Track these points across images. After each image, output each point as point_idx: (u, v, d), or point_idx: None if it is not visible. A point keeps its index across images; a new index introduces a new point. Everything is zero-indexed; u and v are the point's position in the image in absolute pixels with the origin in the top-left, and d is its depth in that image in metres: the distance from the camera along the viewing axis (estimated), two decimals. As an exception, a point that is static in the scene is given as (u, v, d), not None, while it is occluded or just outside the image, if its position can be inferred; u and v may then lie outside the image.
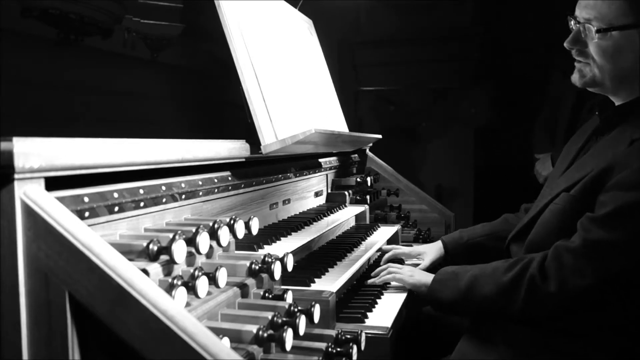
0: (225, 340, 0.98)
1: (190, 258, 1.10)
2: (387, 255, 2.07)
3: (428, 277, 1.71)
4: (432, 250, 2.08)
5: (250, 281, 1.21)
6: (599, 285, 1.35)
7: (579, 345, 1.43)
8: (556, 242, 1.43)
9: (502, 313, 1.49)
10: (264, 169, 1.81)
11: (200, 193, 1.36)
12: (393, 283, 1.89)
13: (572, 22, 1.52)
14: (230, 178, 1.53)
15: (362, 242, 2.13)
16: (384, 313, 1.62)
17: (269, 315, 1.07)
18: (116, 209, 1.05)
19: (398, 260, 2.09)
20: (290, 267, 1.25)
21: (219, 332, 1.00)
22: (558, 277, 1.36)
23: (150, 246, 0.97)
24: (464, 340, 1.65)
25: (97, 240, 0.81)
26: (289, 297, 1.22)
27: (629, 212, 1.31)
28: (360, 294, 1.77)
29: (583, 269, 1.34)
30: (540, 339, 1.48)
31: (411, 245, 2.22)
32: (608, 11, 1.41)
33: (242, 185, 1.62)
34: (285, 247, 1.61)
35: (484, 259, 1.98)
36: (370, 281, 1.85)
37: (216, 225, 1.11)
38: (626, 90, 1.51)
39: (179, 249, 0.97)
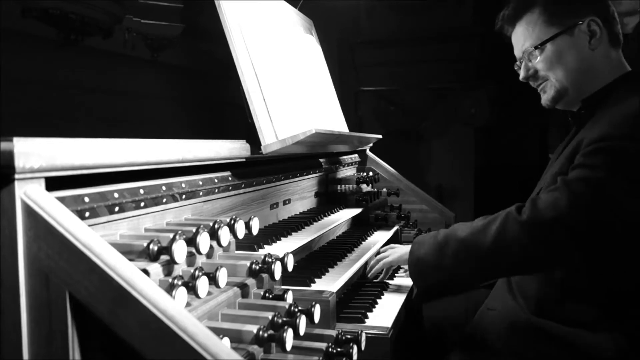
0: (226, 340, 0.98)
1: (190, 258, 1.10)
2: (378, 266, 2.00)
3: (408, 247, 1.74)
4: None
5: (251, 281, 1.21)
6: (573, 218, 1.35)
7: (581, 341, 1.44)
8: None
9: (474, 253, 1.47)
10: (264, 169, 1.81)
11: (201, 193, 1.36)
12: (394, 281, 1.90)
13: (519, 64, 1.71)
14: (230, 178, 1.53)
15: (363, 242, 2.13)
16: (384, 313, 1.62)
17: (270, 315, 1.07)
18: (116, 209, 1.05)
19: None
20: (290, 267, 1.25)
21: (219, 332, 1.00)
22: (531, 209, 1.41)
23: (151, 246, 0.97)
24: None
25: (97, 240, 0.80)
26: (289, 297, 1.22)
27: (597, 154, 1.38)
28: (360, 294, 1.77)
29: (556, 200, 1.38)
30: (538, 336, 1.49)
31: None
32: (535, 36, 1.63)
33: (243, 185, 1.62)
34: (285, 247, 1.61)
35: None
36: (369, 275, 1.87)
37: (216, 225, 1.11)
38: (587, 87, 1.62)
39: (180, 249, 0.97)
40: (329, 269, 1.69)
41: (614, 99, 1.53)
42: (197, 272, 1.00)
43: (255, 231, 1.27)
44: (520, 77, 1.72)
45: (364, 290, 1.81)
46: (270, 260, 1.19)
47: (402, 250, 1.79)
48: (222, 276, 1.06)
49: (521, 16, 1.66)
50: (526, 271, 1.54)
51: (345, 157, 2.83)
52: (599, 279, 1.47)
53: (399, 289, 1.85)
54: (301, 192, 2.24)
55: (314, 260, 1.76)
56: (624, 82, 1.58)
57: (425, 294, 1.70)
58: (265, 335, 1.01)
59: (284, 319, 1.07)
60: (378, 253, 2.11)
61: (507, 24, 1.71)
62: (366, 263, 1.93)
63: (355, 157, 3.01)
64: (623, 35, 2.88)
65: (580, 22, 1.57)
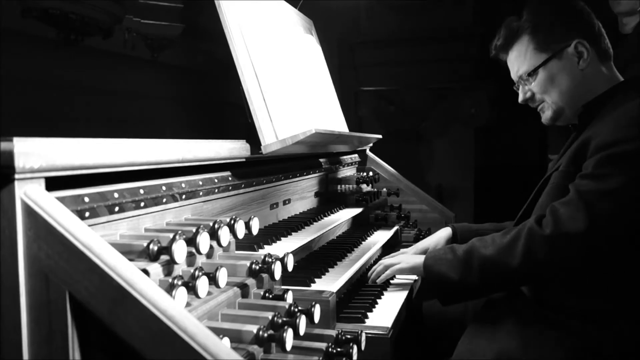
0: (226, 340, 0.98)
1: (190, 258, 1.10)
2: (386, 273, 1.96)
3: (417, 257, 1.74)
4: (438, 241, 2.04)
5: (251, 281, 1.21)
6: (593, 235, 1.40)
7: (587, 332, 1.46)
8: None
9: (504, 273, 1.51)
10: (264, 169, 1.81)
11: (201, 193, 1.36)
12: (394, 281, 1.90)
13: (516, 87, 1.81)
14: (230, 178, 1.53)
15: (363, 242, 2.13)
16: (385, 313, 1.62)
17: (269, 315, 1.07)
18: (116, 209, 1.05)
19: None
20: (290, 267, 1.25)
21: (219, 332, 1.00)
22: (553, 223, 1.44)
23: (151, 246, 0.97)
24: (463, 339, 1.65)
25: (97, 240, 0.80)
26: (289, 297, 1.22)
27: (610, 163, 1.42)
28: (360, 293, 1.77)
29: (575, 215, 1.41)
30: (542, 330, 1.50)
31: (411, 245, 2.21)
32: (527, 61, 1.72)
33: (243, 185, 1.62)
34: (285, 247, 1.61)
35: None
36: (378, 281, 1.83)
37: (216, 225, 1.11)
38: (584, 102, 1.68)
39: (179, 249, 0.97)
40: (329, 269, 1.69)
41: (613, 104, 1.59)
42: (197, 272, 1.00)
43: (255, 231, 1.27)
44: (519, 100, 1.79)
45: (364, 290, 1.81)
46: (270, 260, 1.19)
47: (413, 261, 1.75)
48: (222, 276, 1.06)
49: (511, 45, 1.75)
50: (550, 279, 1.58)
51: (345, 157, 2.83)
52: (611, 279, 1.50)
53: (399, 289, 1.85)
54: (301, 192, 2.24)
55: (314, 260, 1.76)
56: (622, 88, 1.64)
57: (442, 303, 1.71)
58: (265, 335, 1.01)
59: (284, 319, 1.07)
60: (380, 255, 2.11)
61: (500, 52, 1.81)
62: (366, 263, 1.93)
63: (355, 157, 3.01)
64: (623, 35, 2.88)
65: (567, 46, 1.64)
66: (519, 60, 1.74)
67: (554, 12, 1.70)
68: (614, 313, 1.48)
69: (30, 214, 0.80)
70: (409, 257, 1.82)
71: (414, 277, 1.92)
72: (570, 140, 1.75)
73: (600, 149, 1.45)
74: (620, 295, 1.49)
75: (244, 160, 1.54)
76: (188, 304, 1.01)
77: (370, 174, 2.77)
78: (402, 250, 2.04)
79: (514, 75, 1.79)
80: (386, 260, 1.84)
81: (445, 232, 2.08)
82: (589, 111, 1.66)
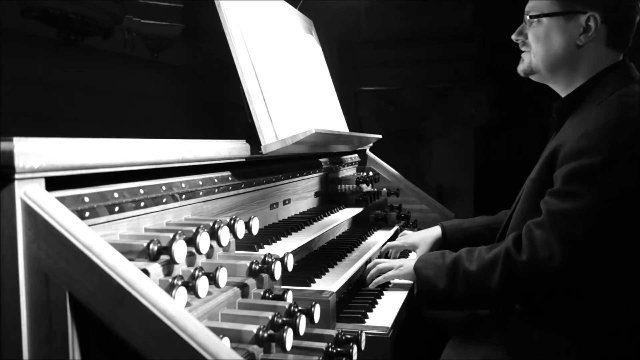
0: (226, 340, 0.98)
1: (190, 258, 1.10)
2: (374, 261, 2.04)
3: (413, 261, 1.72)
4: (427, 239, 2.06)
5: (251, 281, 1.21)
6: (570, 260, 1.36)
7: (571, 343, 1.44)
8: None
9: (484, 290, 1.50)
10: (264, 169, 1.81)
11: (201, 193, 1.36)
12: (393, 282, 1.89)
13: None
14: (230, 178, 1.53)
15: (363, 242, 2.13)
16: (385, 313, 1.62)
17: (269, 315, 1.07)
18: (116, 209, 1.05)
19: (402, 253, 2.09)
20: (290, 267, 1.25)
21: (219, 332, 1.00)
22: (529, 249, 1.41)
23: (151, 246, 0.97)
24: (451, 342, 1.66)
25: (97, 240, 0.80)
26: (289, 297, 1.22)
27: (578, 178, 1.38)
28: (360, 293, 1.77)
29: (549, 241, 1.38)
30: (532, 335, 1.49)
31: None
32: (540, 3, 1.60)
33: (243, 185, 1.62)
34: (285, 247, 1.61)
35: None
36: (370, 286, 1.82)
37: (216, 225, 1.11)
38: (561, 75, 1.62)
39: (179, 249, 0.97)
40: (329, 269, 1.69)
41: (589, 99, 1.54)
42: (197, 272, 1.00)
43: (255, 231, 1.27)
44: (512, 36, 1.70)
45: (364, 290, 1.80)
46: (270, 260, 1.19)
47: (407, 265, 1.75)
48: (222, 276, 1.06)
49: None
50: (533, 303, 1.55)
51: (345, 157, 2.83)
52: (592, 296, 1.47)
53: (398, 289, 1.85)
54: (301, 192, 2.24)
55: (314, 260, 1.76)
56: (600, 80, 1.55)
57: (425, 307, 1.71)
58: (265, 335, 1.01)
59: (284, 318, 1.07)
60: (380, 255, 2.11)
61: None
62: (367, 262, 1.93)
63: (355, 157, 3.01)
64: None
65: (582, 12, 1.53)
66: None
67: None
68: (595, 328, 1.44)
69: (30, 214, 0.80)
70: (403, 262, 1.80)
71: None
72: (551, 140, 1.72)
73: (567, 159, 1.40)
74: (600, 311, 1.44)
75: (244, 160, 1.54)
76: (188, 304, 1.01)
77: (370, 174, 2.77)
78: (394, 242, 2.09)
79: (527, 7, 1.66)
80: (381, 265, 1.83)
81: (435, 231, 2.08)
82: (568, 104, 1.61)
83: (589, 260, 1.39)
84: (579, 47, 1.55)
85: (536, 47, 1.62)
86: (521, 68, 1.69)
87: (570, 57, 1.57)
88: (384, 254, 2.12)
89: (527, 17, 1.64)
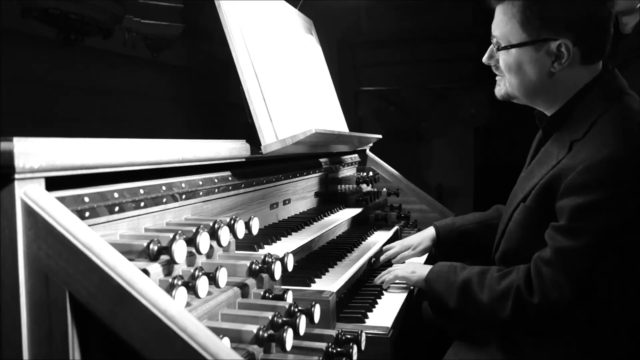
0: (226, 340, 0.98)
1: (190, 258, 1.10)
2: (382, 258, 2.07)
3: (425, 269, 1.72)
4: (422, 240, 2.08)
5: (251, 281, 1.21)
6: (580, 295, 1.35)
7: (572, 351, 1.44)
8: (524, 250, 1.47)
9: (494, 320, 1.49)
10: (264, 169, 1.81)
11: (201, 193, 1.36)
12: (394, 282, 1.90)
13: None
14: (230, 178, 1.53)
15: (363, 242, 2.13)
16: (385, 313, 1.62)
17: (269, 315, 1.07)
18: (116, 209, 1.05)
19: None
20: (290, 267, 1.25)
21: (219, 332, 1.00)
22: (540, 291, 1.39)
23: (151, 246, 0.97)
24: (455, 345, 1.66)
25: (97, 240, 0.80)
26: (289, 297, 1.22)
27: (583, 215, 1.33)
28: (360, 293, 1.77)
29: (559, 280, 1.36)
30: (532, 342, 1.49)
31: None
32: (506, 30, 1.51)
33: (243, 185, 1.62)
34: (285, 247, 1.61)
35: (474, 246, 1.97)
36: (377, 281, 1.85)
37: (216, 225, 1.11)
38: (541, 101, 1.57)
39: (179, 249, 0.97)
40: (329, 269, 1.69)
41: (577, 115, 1.48)
42: (197, 272, 1.00)
43: (255, 231, 1.27)
44: (483, 58, 1.64)
45: (364, 290, 1.81)
46: (270, 260, 1.19)
47: (419, 273, 1.74)
48: (222, 276, 1.06)
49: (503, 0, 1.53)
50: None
51: (345, 157, 2.83)
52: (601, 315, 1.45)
53: (399, 289, 1.85)
54: (301, 192, 2.24)
55: (314, 260, 1.76)
56: (587, 94, 1.48)
57: (436, 316, 1.71)
58: (265, 335, 1.01)
59: (284, 318, 1.07)
60: (380, 252, 2.11)
61: None
62: (367, 262, 1.93)
63: (355, 157, 3.01)
64: (623, 35, 2.87)
65: (552, 40, 1.44)
66: (502, 20, 1.52)
67: None
68: (599, 339, 1.43)
69: (30, 214, 0.80)
70: (417, 268, 1.79)
71: None
72: (535, 145, 1.69)
73: (571, 192, 1.35)
74: (605, 322, 1.42)
75: (244, 160, 1.54)
76: (188, 304, 1.01)
77: (370, 174, 2.77)
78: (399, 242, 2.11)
79: (493, 29, 1.58)
80: (395, 269, 1.85)
81: (429, 232, 2.09)
82: (553, 123, 1.55)
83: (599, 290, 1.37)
84: (554, 74, 1.48)
85: (509, 77, 1.56)
86: (499, 93, 1.64)
87: (547, 85, 1.50)
88: (387, 259, 2.09)
89: (494, 46, 1.57)
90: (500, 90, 1.63)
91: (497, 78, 1.64)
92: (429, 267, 1.71)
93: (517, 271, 1.46)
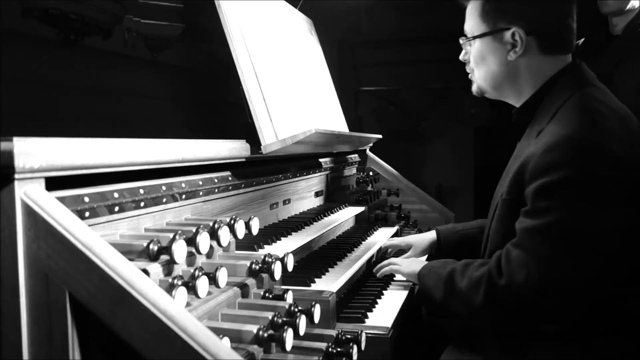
0: (226, 340, 0.98)
1: (190, 258, 1.10)
2: (383, 245, 2.12)
3: (421, 265, 1.72)
4: (423, 242, 2.09)
5: (251, 281, 1.21)
6: (549, 279, 1.34)
7: (567, 351, 1.43)
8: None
9: (471, 310, 1.49)
10: (264, 169, 1.81)
11: (201, 193, 1.36)
12: (394, 281, 1.90)
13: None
14: (230, 178, 1.53)
15: (363, 242, 2.13)
16: (385, 313, 1.62)
17: (269, 315, 1.07)
18: (116, 209, 1.05)
19: (399, 252, 2.12)
20: (290, 267, 1.25)
21: (219, 332, 1.00)
22: (507, 272, 1.40)
23: (151, 246, 0.97)
24: (448, 350, 1.66)
25: (97, 240, 0.81)
26: (289, 297, 1.22)
27: (546, 195, 1.35)
28: (360, 293, 1.77)
29: (524, 261, 1.36)
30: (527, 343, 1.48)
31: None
32: (471, 24, 1.64)
33: (243, 185, 1.62)
34: (285, 247, 1.61)
35: (475, 250, 1.98)
36: (378, 275, 1.88)
37: (216, 225, 1.11)
38: (508, 92, 1.64)
39: (179, 249, 0.97)
40: (329, 269, 1.69)
41: (543, 106, 1.52)
42: (197, 272, 1.00)
43: (255, 231, 1.27)
44: (460, 57, 1.73)
45: (364, 290, 1.81)
46: (270, 260, 1.19)
47: (413, 268, 1.76)
48: (222, 276, 1.06)
49: None
50: (533, 324, 1.49)
51: (345, 157, 2.83)
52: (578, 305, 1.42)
53: (399, 289, 1.85)
54: (301, 192, 2.24)
55: (314, 260, 1.76)
56: (553, 86, 1.53)
57: (427, 312, 1.72)
58: (265, 335, 1.01)
59: (284, 319, 1.07)
60: (379, 249, 2.12)
61: None
62: (367, 262, 1.93)
63: (355, 157, 3.01)
64: (613, 36, 2.89)
65: (506, 29, 1.53)
66: (468, 16, 1.66)
67: None
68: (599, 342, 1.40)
69: (30, 214, 0.80)
70: (412, 263, 1.81)
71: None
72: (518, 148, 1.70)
73: (535, 175, 1.37)
74: (606, 325, 1.40)
75: (244, 160, 1.54)
76: (188, 304, 1.01)
77: (370, 174, 2.77)
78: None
79: (464, 27, 1.70)
80: (392, 261, 1.87)
81: (430, 235, 2.10)
82: (522, 115, 1.61)
83: (578, 280, 1.34)
84: (511, 62, 1.56)
85: (477, 70, 1.66)
86: (473, 89, 1.73)
87: (509, 73, 1.58)
88: (384, 251, 2.13)
89: (464, 39, 1.68)
90: (474, 87, 1.72)
91: (469, 76, 1.73)
92: (425, 262, 1.73)
93: (492, 258, 1.48)
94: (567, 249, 1.33)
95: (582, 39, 2.94)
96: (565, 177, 1.32)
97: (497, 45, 1.57)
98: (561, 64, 1.55)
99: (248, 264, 1.18)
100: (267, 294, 1.22)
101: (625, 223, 1.33)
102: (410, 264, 1.79)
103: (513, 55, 1.55)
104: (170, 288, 0.95)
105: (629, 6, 2.73)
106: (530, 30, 1.52)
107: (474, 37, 1.62)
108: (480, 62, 1.63)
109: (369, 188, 2.76)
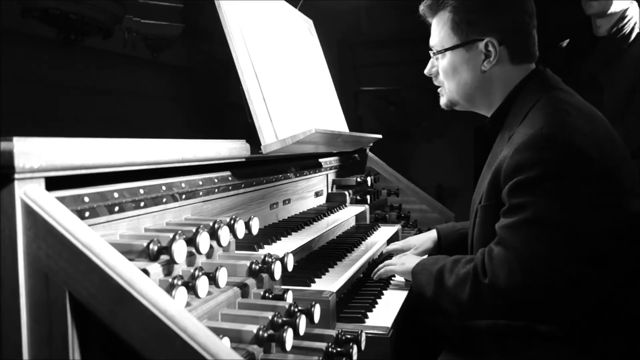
0: (226, 340, 0.98)
1: (190, 258, 1.10)
2: (384, 250, 2.12)
3: (414, 262, 1.73)
4: (425, 241, 2.10)
5: (251, 281, 1.21)
6: (532, 276, 1.34)
7: (567, 351, 1.42)
8: None
9: (458, 306, 1.50)
10: (264, 169, 1.81)
11: (201, 193, 1.36)
12: (394, 281, 1.90)
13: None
14: (230, 178, 1.53)
15: (363, 242, 2.13)
16: (385, 313, 1.61)
17: (269, 315, 1.07)
18: (116, 208, 1.05)
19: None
20: (290, 267, 1.25)
21: (219, 332, 1.00)
22: (490, 269, 1.41)
23: (151, 246, 0.97)
24: (445, 353, 1.66)
25: (97, 240, 0.80)
26: (289, 297, 1.22)
27: (520, 192, 1.38)
28: (360, 293, 1.77)
29: (506, 258, 1.38)
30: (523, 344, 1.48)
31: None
32: (439, 37, 1.67)
33: (243, 185, 1.62)
34: (285, 247, 1.61)
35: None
36: (374, 277, 1.87)
37: (216, 225, 1.11)
38: (480, 102, 1.69)
39: (179, 249, 0.97)
40: (329, 269, 1.69)
41: (512, 113, 1.57)
42: (197, 272, 1.00)
43: (255, 231, 1.27)
44: (425, 71, 1.77)
45: (364, 290, 1.80)
46: (270, 260, 1.19)
47: (407, 265, 1.77)
48: (222, 276, 1.06)
49: (436, 11, 1.69)
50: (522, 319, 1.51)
51: (345, 157, 2.83)
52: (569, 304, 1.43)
53: (399, 289, 1.85)
54: (301, 192, 2.24)
55: (314, 260, 1.76)
56: (520, 93, 1.58)
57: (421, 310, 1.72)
58: (265, 335, 1.01)
59: (284, 318, 1.07)
60: (380, 254, 2.12)
61: (427, 13, 1.75)
62: (367, 262, 1.93)
63: (355, 157, 3.01)
64: (596, 38, 2.93)
65: (479, 40, 1.58)
66: (436, 30, 1.69)
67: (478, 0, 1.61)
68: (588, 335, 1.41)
69: (30, 213, 0.80)
70: (407, 258, 1.82)
71: None
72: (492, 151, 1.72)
73: (508, 177, 1.41)
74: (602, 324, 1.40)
75: (244, 160, 1.54)
76: (188, 304, 1.01)
77: (370, 174, 2.77)
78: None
79: (430, 41, 1.73)
80: (388, 263, 1.87)
81: (431, 234, 2.11)
82: (493, 124, 1.66)
83: (561, 276, 1.34)
84: (485, 72, 1.60)
85: (448, 83, 1.68)
86: (442, 102, 1.76)
87: (481, 84, 1.63)
88: (385, 256, 2.12)
89: (432, 53, 1.70)
90: (442, 99, 1.75)
91: (438, 90, 1.76)
92: (419, 259, 1.73)
93: (477, 255, 1.49)
94: (544, 243, 1.34)
95: (567, 40, 2.97)
96: (537, 173, 1.36)
97: (470, 56, 1.61)
98: (527, 71, 1.62)
99: (248, 264, 1.18)
100: (267, 294, 1.22)
101: (603, 216, 1.35)
102: (404, 262, 1.80)
103: (487, 65, 1.59)
104: (170, 288, 0.95)
105: (611, 9, 2.75)
106: (502, 40, 1.58)
107: (446, 50, 1.64)
108: (451, 74, 1.66)
109: (369, 188, 2.76)
